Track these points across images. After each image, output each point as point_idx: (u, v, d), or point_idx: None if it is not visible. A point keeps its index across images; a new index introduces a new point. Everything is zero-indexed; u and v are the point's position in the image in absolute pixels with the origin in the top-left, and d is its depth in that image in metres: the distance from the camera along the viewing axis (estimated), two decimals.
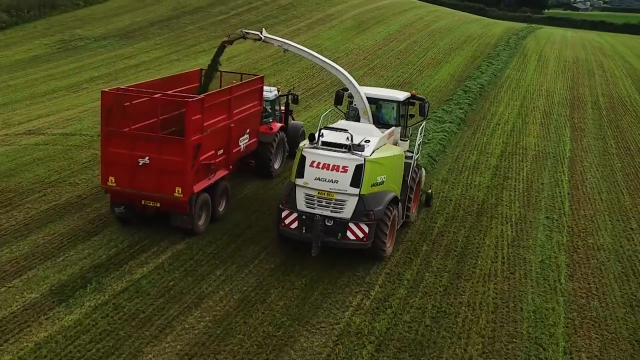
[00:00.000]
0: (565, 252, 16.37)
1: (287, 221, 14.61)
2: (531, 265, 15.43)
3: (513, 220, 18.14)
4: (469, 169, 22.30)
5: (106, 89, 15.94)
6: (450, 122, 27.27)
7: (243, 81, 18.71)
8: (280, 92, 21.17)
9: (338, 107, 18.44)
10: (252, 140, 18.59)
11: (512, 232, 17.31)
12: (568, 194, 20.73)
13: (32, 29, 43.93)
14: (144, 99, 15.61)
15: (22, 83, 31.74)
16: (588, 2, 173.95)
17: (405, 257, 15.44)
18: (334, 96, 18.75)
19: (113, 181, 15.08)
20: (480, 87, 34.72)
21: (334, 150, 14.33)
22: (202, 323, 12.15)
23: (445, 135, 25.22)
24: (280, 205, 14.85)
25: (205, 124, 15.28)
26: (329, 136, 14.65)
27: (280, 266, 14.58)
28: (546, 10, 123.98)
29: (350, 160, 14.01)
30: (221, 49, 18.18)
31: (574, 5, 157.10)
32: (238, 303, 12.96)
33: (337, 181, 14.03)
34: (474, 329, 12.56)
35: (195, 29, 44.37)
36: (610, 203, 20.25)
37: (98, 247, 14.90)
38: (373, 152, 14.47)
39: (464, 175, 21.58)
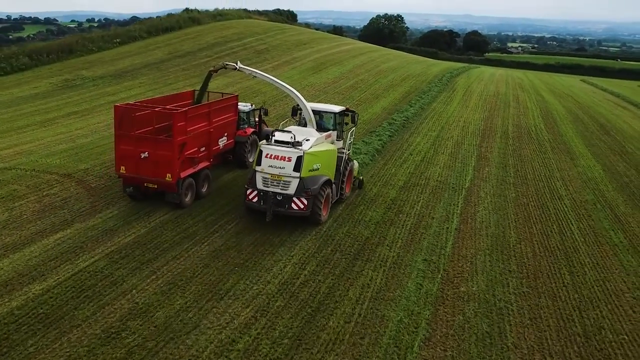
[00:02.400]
0: (431, 306, 11.48)
1: (250, 196, 14.97)
2: (387, 326, 10.56)
3: (388, 264, 13.24)
4: (365, 203, 17.38)
5: (118, 104, 16.52)
6: (365, 153, 22.28)
7: (222, 98, 19.06)
8: (254, 107, 21.11)
9: (294, 117, 18.59)
10: (230, 141, 18.96)
11: (381, 280, 12.42)
12: (455, 229, 15.81)
13: (47, 70, 39.23)
14: (146, 111, 16.21)
15: (7, 118, 27.01)
16: (520, 48, 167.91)
17: (252, 316, 10.62)
18: (291, 109, 18.78)
19: (123, 169, 15.59)
20: (404, 120, 29.58)
21: (282, 146, 14.79)
22: None
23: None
24: (245, 186, 15.23)
25: (188, 129, 15.77)
26: (279, 136, 15.10)
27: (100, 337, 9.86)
28: (486, 54, 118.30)
29: (293, 153, 14.54)
30: (209, 76, 18.96)
31: (509, 50, 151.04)
32: None
33: (284, 168, 14.55)
34: None
35: (179, 70, 39.53)
36: (495, 239, 15.32)
37: None
38: (310, 147, 14.89)
39: (358, 211, 16.66)
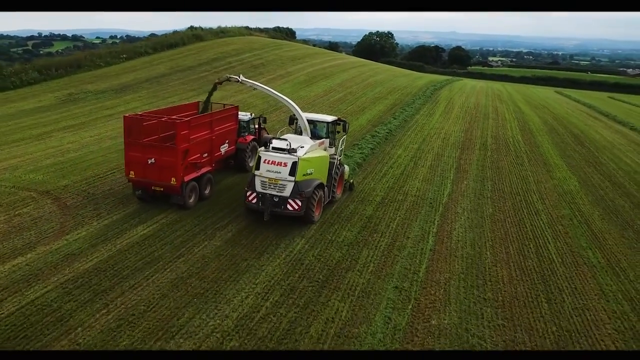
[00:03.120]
0: (398, 344, 9.49)
1: (250, 198, 14.65)
2: None
3: (356, 293, 11.30)
4: (341, 221, 15.44)
5: (127, 114, 15.94)
6: (345, 166, 20.31)
7: (223, 108, 18.63)
8: (253, 116, 20.60)
9: (291, 126, 17.99)
10: (231, 147, 18.51)
11: (347, 312, 10.46)
12: (430, 250, 13.86)
13: (55, 84, 37.33)
14: (152, 121, 15.74)
15: (5, 131, 25.06)
16: (499, 61, 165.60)
17: None
18: (288, 119, 18.04)
19: (132, 174, 15.21)
20: (387, 132, 27.61)
21: (279, 152, 14.50)
22: None
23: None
24: (245, 188, 14.90)
25: (191, 137, 15.37)
26: (276, 143, 14.88)
27: None
28: (469, 67, 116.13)
29: (289, 159, 14.28)
30: (214, 88, 18.47)
31: (489, 63, 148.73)
32: None
33: (280, 172, 14.26)
34: None
35: (178, 83, 37.62)
36: (471, 261, 13.37)
37: None
38: (305, 153, 14.60)
39: (332, 230, 14.72)
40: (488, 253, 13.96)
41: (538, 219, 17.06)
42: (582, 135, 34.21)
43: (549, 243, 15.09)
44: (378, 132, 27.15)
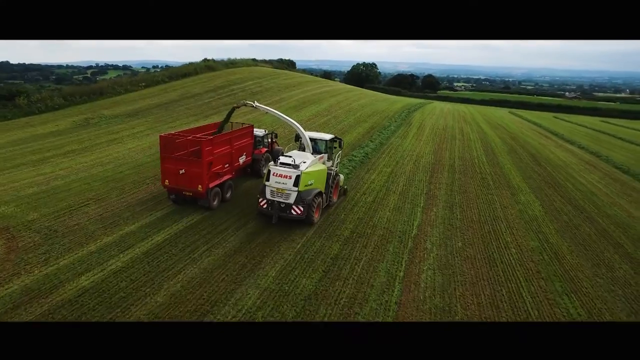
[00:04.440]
0: None
1: (261, 204, 13.97)
2: None
3: None
4: (303, 265, 11.55)
5: (162, 133, 15.46)
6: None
7: (241, 127, 17.87)
8: (267, 132, 19.64)
9: (296, 142, 17.28)
10: (248, 158, 17.77)
11: None
12: (396, 302, 9.99)
13: (77, 110, 33.38)
14: (182, 139, 15.16)
15: (8, 156, 21.29)
16: (463, 86, 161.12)
17: None
18: (294, 136, 17.71)
19: (167, 182, 14.77)
20: (364, 156, 23.68)
21: (285, 167, 13.90)
22: None
23: None
24: (258, 195, 14.29)
25: (214, 152, 14.87)
26: (283, 159, 14.24)
27: None
28: (438, 91, 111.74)
29: (293, 172, 13.68)
30: (231, 111, 17.21)
31: (455, 88, 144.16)
32: None
33: (286, 183, 13.66)
34: None
35: (183, 109, 33.70)
36: (440, 318, 9.51)
37: None
38: (306, 168, 13.96)
39: (291, 277, 10.83)
40: (458, 305, 10.08)
41: (508, 254, 13.18)
42: (539, 154, 30.24)
43: (522, 288, 11.21)
44: (355, 156, 23.20)
